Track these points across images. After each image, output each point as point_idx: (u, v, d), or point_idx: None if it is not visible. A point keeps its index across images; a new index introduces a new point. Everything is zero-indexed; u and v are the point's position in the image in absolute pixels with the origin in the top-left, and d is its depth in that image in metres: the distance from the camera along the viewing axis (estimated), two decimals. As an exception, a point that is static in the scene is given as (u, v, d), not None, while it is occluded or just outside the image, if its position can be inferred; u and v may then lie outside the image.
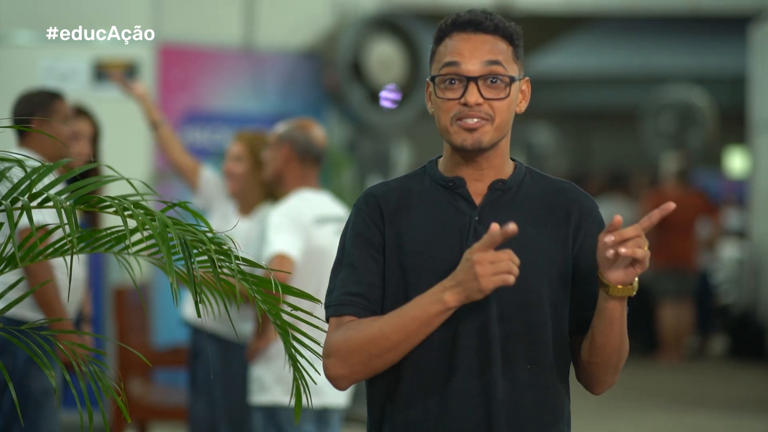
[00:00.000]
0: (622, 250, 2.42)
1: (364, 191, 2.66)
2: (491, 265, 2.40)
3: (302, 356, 2.59)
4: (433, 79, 2.58)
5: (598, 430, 8.36)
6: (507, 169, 2.63)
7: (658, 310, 11.75)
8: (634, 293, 2.47)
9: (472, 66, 2.54)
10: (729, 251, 13.33)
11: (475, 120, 2.53)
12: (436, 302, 2.45)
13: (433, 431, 2.54)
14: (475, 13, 2.58)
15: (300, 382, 2.58)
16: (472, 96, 2.53)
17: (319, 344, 2.60)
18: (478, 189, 2.60)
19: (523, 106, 2.63)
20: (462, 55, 2.54)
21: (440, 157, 2.67)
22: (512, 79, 2.56)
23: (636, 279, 2.47)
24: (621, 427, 8.58)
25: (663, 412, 9.17)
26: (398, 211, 2.60)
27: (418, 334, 2.49)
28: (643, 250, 2.44)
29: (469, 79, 2.53)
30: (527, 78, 2.64)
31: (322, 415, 4.75)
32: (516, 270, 2.40)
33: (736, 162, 20.82)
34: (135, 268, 2.59)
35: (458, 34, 2.57)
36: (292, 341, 2.58)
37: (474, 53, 2.54)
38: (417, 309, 2.47)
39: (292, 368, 2.61)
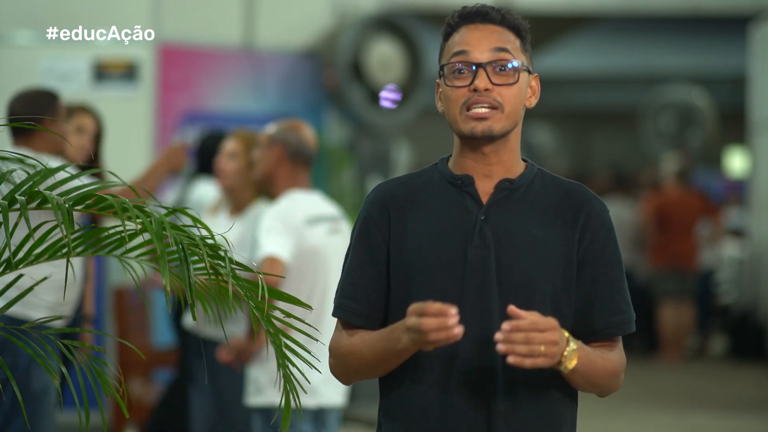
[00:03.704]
0: (500, 347, 2.36)
1: (374, 188, 2.67)
2: (415, 333, 2.38)
3: (292, 364, 2.59)
4: (442, 68, 2.58)
5: (598, 430, 8.36)
6: (517, 169, 2.62)
7: (659, 310, 11.75)
8: (567, 371, 2.44)
9: (480, 53, 2.55)
10: (729, 251, 13.34)
11: (485, 109, 2.53)
12: (396, 341, 2.45)
13: (433, 430, 2.55)
14: (481, 5, 2.60)
15: (289, 387, 2.58)
16: (482, 81, 2.53)
17: (308, 351, 2.61)
18: (486, 188, 2.59)
19: (533, 101, 2.63)
20: (470, 44, 2.56)
21: (451, 156, 2.67)
22: (521, 65, 2.57)
23: (565, 356, 2.41)
24: (621, 427, 8.58)
25: (663, 412, 9.17)
26: (405, 207, 2.61)
27: (390, 361, 2.52)
28: (526, 348, 2.35)
29: (478, 66, 2.54)
30: (536, 74, 2.64)
31: (319, 414, 4.76)
32: (451, 333, 2.36)
33: (736, 162, 20.82)
34: (137, 269, 2.59)
35: (466, 25, 2.58)
36: (283, 349, 2.57)
37: (482, 42, 2.56)
38: (386, 341, 2.49)
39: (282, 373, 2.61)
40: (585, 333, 2.60)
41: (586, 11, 13.84)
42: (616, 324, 2.59)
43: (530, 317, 2.37)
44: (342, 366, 2.60)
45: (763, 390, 10.30)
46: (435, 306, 2.37)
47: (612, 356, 2.57)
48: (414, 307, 2.40)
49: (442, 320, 2.36)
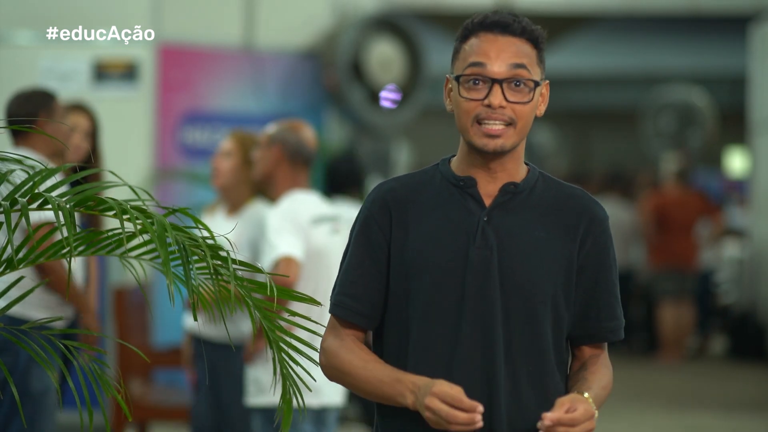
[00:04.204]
0: None
1: (374, 188, 2.67)
2: (434, 415, 2.42)
3: (296, 363, 2.59)
4: (457, 78, 2.56)
5: (598, 430, 8.34)
6: (520, 173, 2.62)
7: (658, 310, 11.74)
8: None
9: (498, 68, 2.53)
10: (729, 251, 13.33)
11: (498, 126, 2.52)
12: (399, 395, 2.49)
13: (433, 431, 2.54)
14: (502, 15, 2.57)
15: (290, 387, 2.57)
16: (496, 98, 2.52)
17: (315, 349, 2.60)
18: (489, 190, 2.59)
19: (542, 109, 2.62)
20: (488, 56, 2.53)
21: (453, 156, 2.66)
22: (536, 84, 2.55)
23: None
24: (621, 427, 8.57)
25: (663, 412, 9.17)
26: (407, 207, 2.60)
27: (384, 401, 2.55)
28: None
29: (494, 81, 2.52)
30: (547, 81, 2.62)
31: (321, 414, 4.76)
32: (473, 429, 2.42)
33: (736, 162, 20.82)
34: (137, 268, 2.59)
35: (485, 34, 2.55)
36: (284, 346, 2.56)
37: (500, 55, 2.53)
38: (388, 386, 2.51)
39: (281, 374, 2.61)
40: (580, 336, 2.62)
41: (586, 11, 13.85)
42: (611, 329, 2.62)
43: (569, 414, 2.43)
44: (333, 373, 2.61)
45: (763, 390, 10.30)
46: (467, 401, 2.40)
47: (606, 378, 2.62)
48: (442, 391, 2.42)
49: (472, 417, 2.40)
